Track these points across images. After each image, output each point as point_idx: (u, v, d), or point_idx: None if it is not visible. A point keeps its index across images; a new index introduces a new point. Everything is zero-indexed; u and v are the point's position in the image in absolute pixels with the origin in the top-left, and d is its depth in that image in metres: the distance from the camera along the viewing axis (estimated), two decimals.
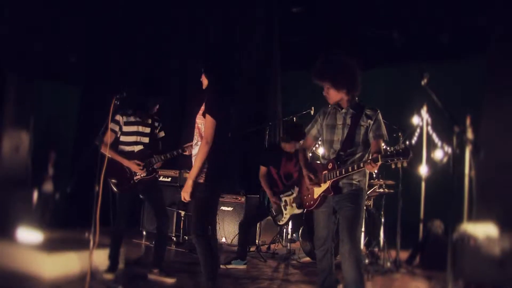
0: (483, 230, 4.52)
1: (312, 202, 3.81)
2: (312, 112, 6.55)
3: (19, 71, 6.70)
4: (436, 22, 7.96)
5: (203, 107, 3.62)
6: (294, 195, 5.69)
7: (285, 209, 5.72)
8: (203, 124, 3.57)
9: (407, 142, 6.90)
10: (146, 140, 4.59)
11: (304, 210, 5.63)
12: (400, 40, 8.51)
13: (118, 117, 4.51)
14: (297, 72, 9.51)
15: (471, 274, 4.45)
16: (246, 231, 5.76)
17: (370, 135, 3.67)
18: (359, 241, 3.59)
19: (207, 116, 3.53)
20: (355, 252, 3.46)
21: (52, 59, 7.57)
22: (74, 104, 8.77)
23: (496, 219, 4.64)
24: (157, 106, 4.71)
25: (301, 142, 4.82)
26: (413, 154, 3.21)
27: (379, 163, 3.49)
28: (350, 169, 3.54)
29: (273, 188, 5.80)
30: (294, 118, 6.95)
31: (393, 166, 3.19)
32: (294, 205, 5.69)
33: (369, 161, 3.41)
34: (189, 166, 3.72)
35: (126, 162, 4.45)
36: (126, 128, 4.55)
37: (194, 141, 3.67)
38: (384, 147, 3.66)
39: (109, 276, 4.41)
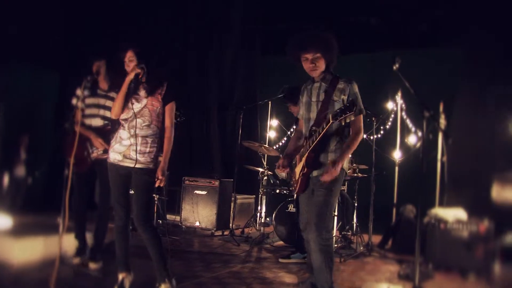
0: (452, 215, 4.60)
1: (296, 185, 3.70)
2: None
3: None
4: (413, 8, 7.97)
5: (160, 91, 3.50)
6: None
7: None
8: (159, 108, 3.49)
9: (381, 127, 6.95)
10: (108, 114, 4.27)
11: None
12: (376, 26, 8.52)
13: (78, 91, 4.16)
14: (274, 57, 9.47)
15: (440, 258, 4.54)
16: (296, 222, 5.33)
17: None
18: (327, 228, 3.42)
19: (173, 103, 3.55)
20: (320, 240, 3.35)
21: (30, 42, 7.34)
22: (52, 88, 8.60)
23: (465, 204, 4.73)
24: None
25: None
26: (357, 108, 3.13)
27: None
28: (318, 136, 3.35)
29: None
30: (270, 102, 6.91)
31: (343, 123, 3.12)
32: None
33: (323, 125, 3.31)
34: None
35: (91, 136, 4.25)
36: (88, 101, 4.33)
37: (146, 122, 3.46)
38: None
39: (77, 260, 4.34)
